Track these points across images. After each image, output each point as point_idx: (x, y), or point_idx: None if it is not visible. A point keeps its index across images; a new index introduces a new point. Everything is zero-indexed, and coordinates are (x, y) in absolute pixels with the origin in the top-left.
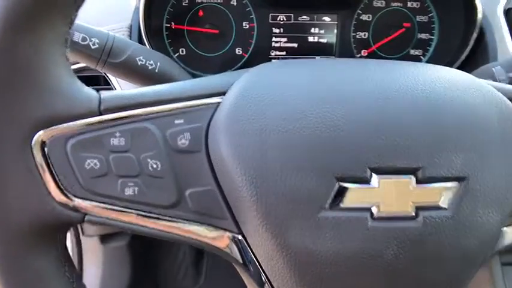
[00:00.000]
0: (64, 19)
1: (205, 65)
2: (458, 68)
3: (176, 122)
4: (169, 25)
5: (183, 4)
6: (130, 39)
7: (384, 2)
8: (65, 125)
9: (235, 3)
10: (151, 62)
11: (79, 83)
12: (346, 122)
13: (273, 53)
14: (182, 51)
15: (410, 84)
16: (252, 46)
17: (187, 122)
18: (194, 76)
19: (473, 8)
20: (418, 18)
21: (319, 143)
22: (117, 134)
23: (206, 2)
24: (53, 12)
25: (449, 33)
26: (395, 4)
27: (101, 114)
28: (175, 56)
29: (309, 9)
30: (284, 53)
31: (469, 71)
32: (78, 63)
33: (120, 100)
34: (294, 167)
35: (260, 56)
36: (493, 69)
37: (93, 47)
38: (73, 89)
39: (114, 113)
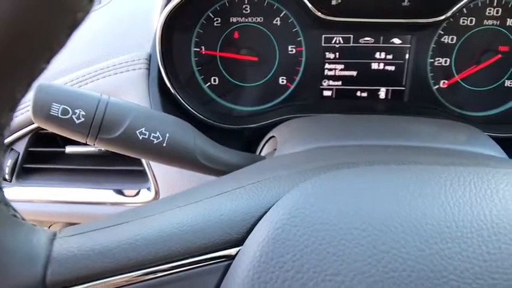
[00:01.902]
0: None
1: (242, 96)
2: None
3: None
4: (198, 49)
5: (215, 24)
6: (149, 72)
7: (473, 20)
8: None
9: (278, 23)
10: (157, 134)
11: (22, 233)
12: None
13: (326, 83)
14: (214, 80)
15: None
16: (300, 75)
17: None
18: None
19: None
20: None
21: None
22: None
23: (243, 22)
24: None
25: None
26: (490, 22)
27: None
28: (206, 85)
29: (374, 29)
30: (340, 82)
31: None
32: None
33: (77, 264)
34: None
35: (309, 86)
36: None
37: (77, 122)
38: (10, 246)
39: None
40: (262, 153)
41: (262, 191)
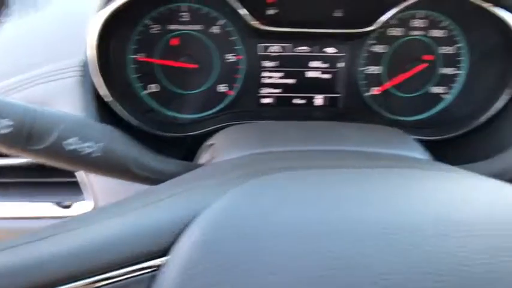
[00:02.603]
0: None
1: (183, 104)
2: (497, 114)
3: None
4: (136, 57)
5: (154, 32)
6: (84, 80)
7: (401, 30)
8: None
9: (218, 31)
10: (90, 144)
11: None
12: None
13: (264, 91)
14: (153, 87)
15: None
16: (240, 83)
17: None
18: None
19: None
20: (443, 49)
21: None
22: None
23: (182, 30)
24: None
25: (483, 66)
26: (416, 33)
27: None
28: (144, 93)
29: (309, 39)
30: (279, 90)
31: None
32: None
33: None
34: None
35: (248, 94)
36: None
37: (2, 132)
38: None
39: None
40: (202, 161)
41: (189, 200)
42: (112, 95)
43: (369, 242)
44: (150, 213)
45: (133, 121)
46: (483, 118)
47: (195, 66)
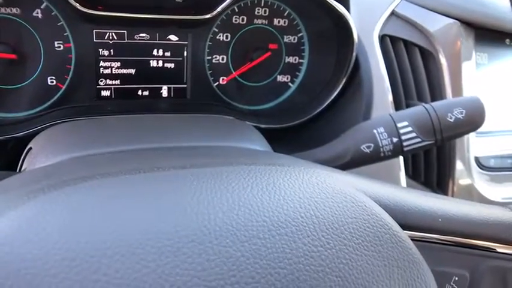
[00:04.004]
0: None
1: (6, 102)
2: (334, 99)
3: None
4: None
5: None
6: None
7: (245, 18)
8: None
9: (39, 16)
10: None
11: None
12: None
13: (102, 83)
14: None
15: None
16: (71, 74)
17: None
18: None
19: (347, 29)
20: (286, 38)
21: None
22: None
23: None
24: None
25: (321, 56)
26: (259, 21)
27: None
28: None
29: (149, 26)
30: (118, 81)
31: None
32: None
33: None
34: None
35: (84, 86)
36: (375, 132)
37: None
38: None
39: None
40: (23, 168)
41: None
42: None
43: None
44: None
45: None
46: (321, 107)
47: (13, 56)
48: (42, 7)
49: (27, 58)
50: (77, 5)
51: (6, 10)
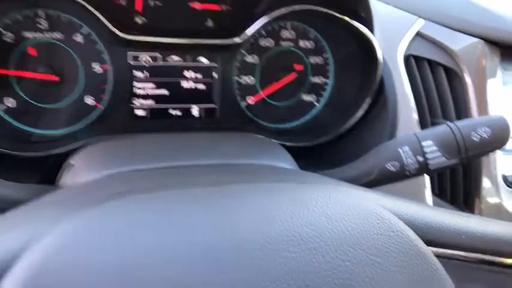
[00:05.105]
0: None
1: (46, 120)
2: (359, 118)
3: None
4: None
5: (4, 39)
6: None
7: (272, 41)
8: None
9: (80, 40)
10: None
11: None
12: None
13: (137, 103)
14: (10, 103)
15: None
16: (108, 94)
17: None
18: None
19: (372, 51)
20: (312, 59)
21: None
22: None
23: (39, 38)
24: None
25: (346, 76)
26: (286, 44)
27: None
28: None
29: (181, 49)
30: (151, 101)
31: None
32: None
33: None
34: None
35: (120, 106)
36: (400, 150)
37: None
38: None
39: None
40: (63, 184)
41: (13, 236)
42: None
43: (216, 265)
44: None
45: None
46: (346, 126)
47: (55, 78)
48: (82, 32)
49: (67, 79)
50: (115, 30)
51: (50, 35)
